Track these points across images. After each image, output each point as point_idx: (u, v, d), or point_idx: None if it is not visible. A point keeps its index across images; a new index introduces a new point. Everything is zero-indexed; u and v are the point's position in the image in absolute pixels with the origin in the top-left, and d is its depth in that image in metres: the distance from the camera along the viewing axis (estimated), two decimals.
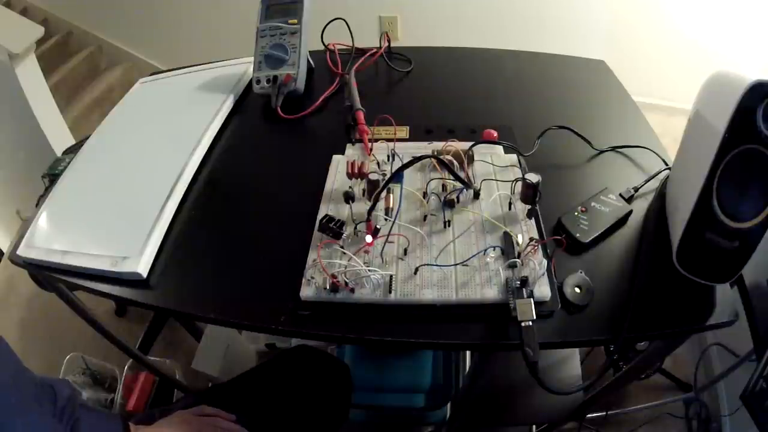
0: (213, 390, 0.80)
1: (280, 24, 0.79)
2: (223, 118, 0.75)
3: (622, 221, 0.55)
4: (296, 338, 0.98)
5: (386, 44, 0.91)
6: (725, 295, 0.48)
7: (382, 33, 0.92)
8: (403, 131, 0.68)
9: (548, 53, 0.91)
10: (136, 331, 1.32)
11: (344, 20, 0.89)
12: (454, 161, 0.57)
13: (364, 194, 0.56)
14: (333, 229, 0.51)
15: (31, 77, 1.43)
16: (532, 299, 0.44)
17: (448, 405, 0.95)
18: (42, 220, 0.61)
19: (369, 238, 0.48)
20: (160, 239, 0.57)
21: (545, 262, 0.46)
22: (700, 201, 0.43)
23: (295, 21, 0.78)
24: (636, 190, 0.58)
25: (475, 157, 0.60)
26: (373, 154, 0.62)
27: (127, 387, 1.07)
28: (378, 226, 0.50)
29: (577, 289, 0.47)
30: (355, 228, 0.52)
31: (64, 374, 1.06)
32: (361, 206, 0.54)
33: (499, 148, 0.63)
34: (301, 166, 0.68)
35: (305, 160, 0.69)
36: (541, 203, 0.52)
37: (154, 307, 0.54)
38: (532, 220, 0.53)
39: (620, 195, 0.57)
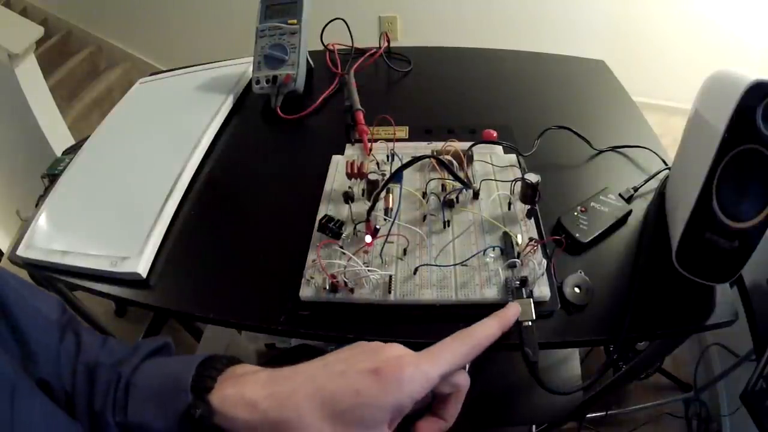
0: None
1: (280, 24, 0.79)
2: (223, 118, 0.75)
3: (621, 221, 0.55)
4: (296, 338, 0.98)
5: (386, 44, 0.91)
6: (725, 295, 0.48)
7: (381, 33, 0.92)
8: (403, 131, 0.68)
9: (548, 53, 0.91)
10: (136, 331, 1.32)
11: (344, 20, 0.88)
12: (454, 161, 0.57)
13: (363, 194, 0.56)
14: (332, 229, 0.51)
15: (30, 77, 1.44)
16: (531, 299, 0.44)
17: None
18: (42, 221, 0.61)
19: (368, 238, 0.48)
20: (160, 239, 0.57)
21: (545, 262, 0.46)
22: (700, 201, 0.43)
23: (295, 21, 0.78)
24: (636, 190, 0.58)
25: (475, 157, 0.60)
26: (373, 154, 0.62)
27: None
28: (377, 226, 0.49)
29: (577, 289, 0.47)
30: (355, 228, 0.52)
31: None
32: (361, 206, 0.54)
33: (499, 148, 0.63)
34: (301, 166, 0.67)
35: (305, 160, 0.69)
36: (541, 203, 0.52)
37: (154, 308, 0.54)
38: (532, 220, 0.52)
39: (620, 195, 0.57)
